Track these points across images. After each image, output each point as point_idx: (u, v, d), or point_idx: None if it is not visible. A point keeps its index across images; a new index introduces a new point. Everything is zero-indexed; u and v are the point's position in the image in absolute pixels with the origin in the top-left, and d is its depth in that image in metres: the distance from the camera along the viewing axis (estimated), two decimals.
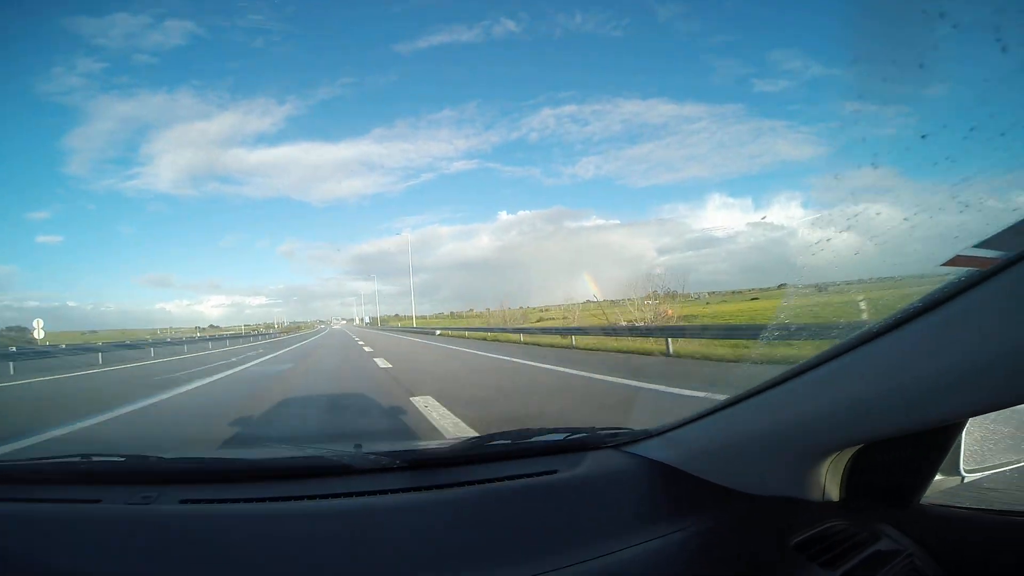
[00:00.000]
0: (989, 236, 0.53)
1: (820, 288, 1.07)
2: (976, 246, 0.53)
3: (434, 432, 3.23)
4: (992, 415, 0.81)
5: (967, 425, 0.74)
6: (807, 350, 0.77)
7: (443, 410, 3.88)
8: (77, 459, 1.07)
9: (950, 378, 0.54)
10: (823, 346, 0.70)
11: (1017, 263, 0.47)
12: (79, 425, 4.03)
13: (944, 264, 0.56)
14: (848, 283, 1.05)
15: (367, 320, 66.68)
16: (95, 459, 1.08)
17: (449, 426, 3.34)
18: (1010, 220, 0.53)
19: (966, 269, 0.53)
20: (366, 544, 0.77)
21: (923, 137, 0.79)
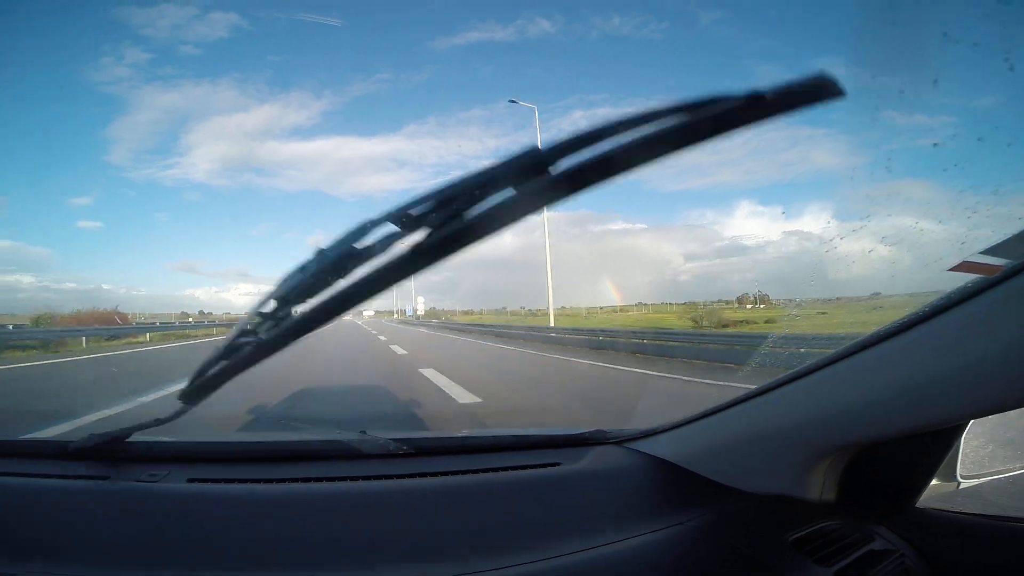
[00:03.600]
0: (994, 243, 0.54)
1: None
2: (982, 252, 0.55)
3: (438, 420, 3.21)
4: (990, 424, 0.83)
5: (965, 432, 0.75)
6: None
7: None
8: (84, 438, 1.08)
9: (951, 382, 0.55)
10: None
11: (1021, 272, 0.48)
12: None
13: (951, 269, 0.57)
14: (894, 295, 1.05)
15: (417, 311, 50.08)
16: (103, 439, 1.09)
17: None
18: (1014, 228, 0.54)
19: (972, 276, 0.54)
20: (371, 527, 0.78)
21: (978, 141, 0.79)
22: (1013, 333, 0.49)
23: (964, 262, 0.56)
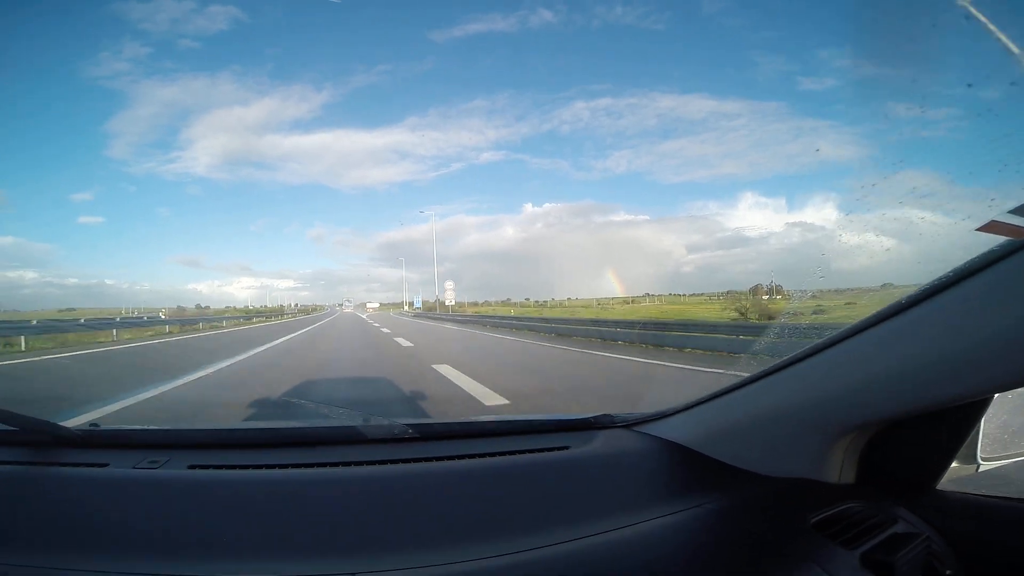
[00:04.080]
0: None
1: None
2: (1011, 212, 0.54)
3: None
4: (1010, 406, 0.82)
5: (985, 414, 0.73)
6: None
7: None
8: (80, 426, 1.06)
9: (970, 354, 0.54)
10: None
11: None
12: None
13: (979, 229, 0.56)
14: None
15: (415, 304, 46.85)
16: (102, 428, 1.08)
17: None
18: None
19: (999, 238, 0.53)
20: (377, 512, 0.77)
21: (981, 131, 0.79)
22: None
23: (992, 222, 0.54)
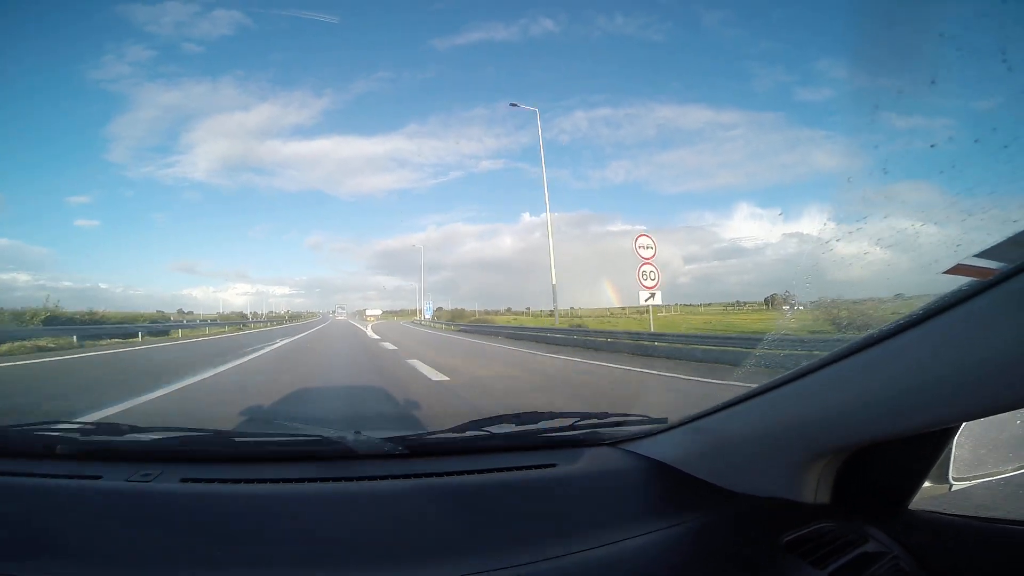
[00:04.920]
0: (989, 246, 0.54)
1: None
2: (977, 255, 0.54)
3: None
4: (980, 427, 0.82)
5: (957, 436, 0.75)
6: None
7: None
8: (77, 433, 1.07)
9: (943, 385, 0.55)
10: None
11: (1015, 275, 0.48)
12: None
13: (945, 272, 0.57)
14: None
15: (426, 313, 39.92)
16: (94, 436, 1.08)
17: None
18: (1009, 231, 0.54)
19: (967, 279, 0.54)
20: (365, 528, 0.78)
21: (975, 143, 0.78)
22: (1005, 338, 0.49)
23: (958, 265, 0.55)
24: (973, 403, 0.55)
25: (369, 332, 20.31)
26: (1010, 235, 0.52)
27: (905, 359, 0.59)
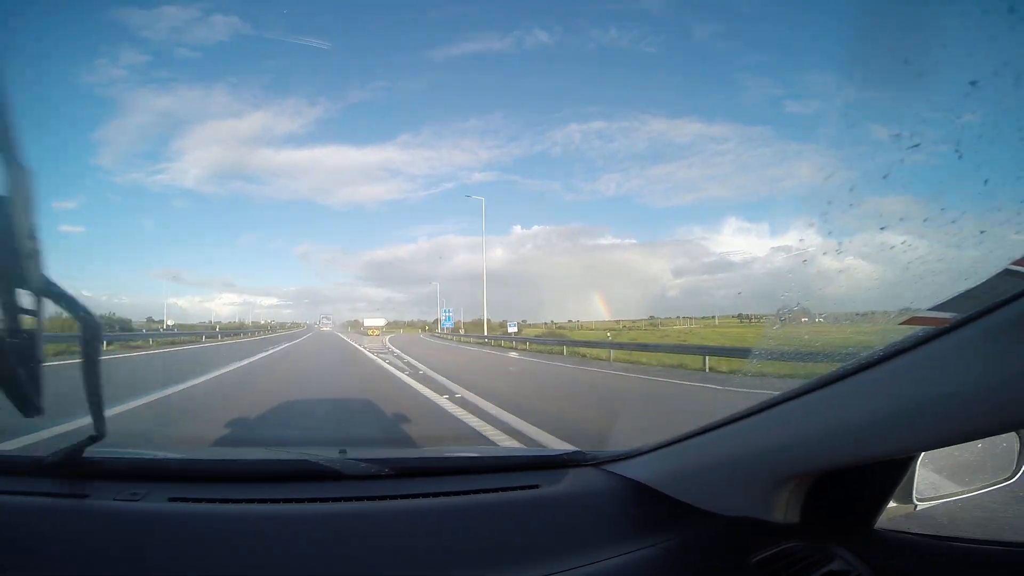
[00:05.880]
0: (944, 300, 0.56)
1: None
2: (931, 309, 0.56)
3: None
4: (942, 452, 0.85)
5: (919, 459, 0.79)
6: None
7: None
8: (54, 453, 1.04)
9: (902, 418, 0.58)
10: None
11: (961, 327, 0.52)
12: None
13: (901, 323, 0.59)
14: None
15: (444, 323, 34.86)
16: (86, 455, 1.05)
17: None
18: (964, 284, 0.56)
19: (921, 328, 0.56)
20: (351, 549, 0.80)
21: (959, 158, 0.79)
22: (958, 379, 0.52)
23: (914, 317, 0.57)
24: (928, 437, 0.58)
25: (365, 351, 14.40)
26: (964, 289, 0.54)
27: (866, 395, 0.62)
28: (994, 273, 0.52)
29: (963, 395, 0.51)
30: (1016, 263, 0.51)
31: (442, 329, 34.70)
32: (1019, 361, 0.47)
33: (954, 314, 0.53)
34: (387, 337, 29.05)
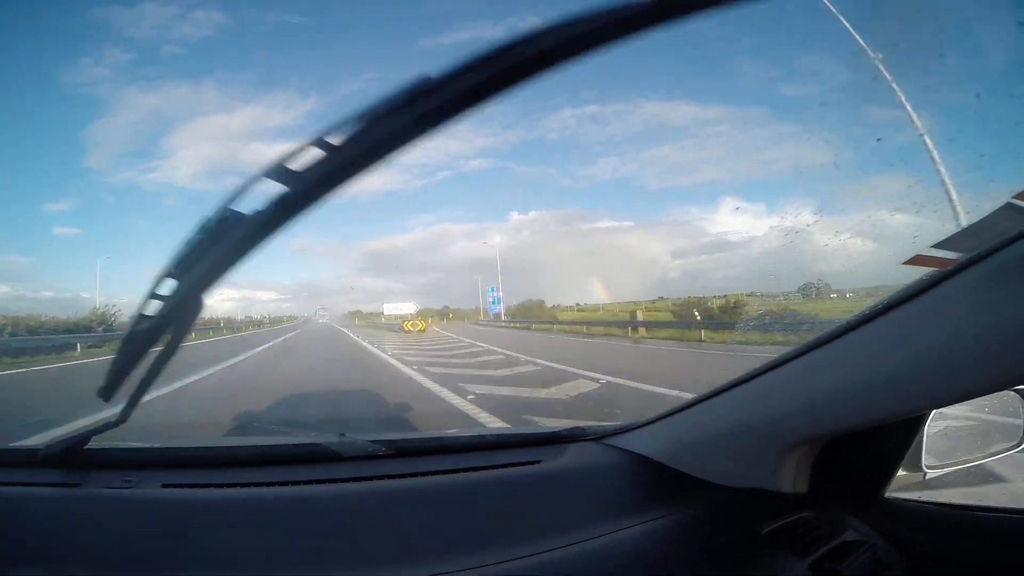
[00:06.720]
0: (944, 237, 0.55)
1: None
2: (934, 246, 0.55)
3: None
4: (951, 416, 0.84)
5: (927, 424, 0.77)
6: None
7: None
8: (50, 444, 1.03)
9: (910, 373, 0.57)
10: None
11: (971, 265, 0.50)
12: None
13: (905, 263, 0.58)
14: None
15: (491, 310, 28.73)
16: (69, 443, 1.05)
17: None
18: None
19: (927, 269, 0.55)
20: (351, 529, 0.78)
21: (950, 141, 0.80)
22: (963, 326, 0.51)
23: (917, 256, 0.57)
24: (939, 391, 0.56)
25: (387, 354, 10.04)
26: (965, 226, 0.54)
27: (869, 349, 0.61)
28: (996, 207, 0.52)
29: (972, 344, 0.50)
30: (1017, 196, 0.50)
31: (489, 316, 29.39)
32: None
33: (959, 254, 0.52)
34: (443, 331, 21.16)
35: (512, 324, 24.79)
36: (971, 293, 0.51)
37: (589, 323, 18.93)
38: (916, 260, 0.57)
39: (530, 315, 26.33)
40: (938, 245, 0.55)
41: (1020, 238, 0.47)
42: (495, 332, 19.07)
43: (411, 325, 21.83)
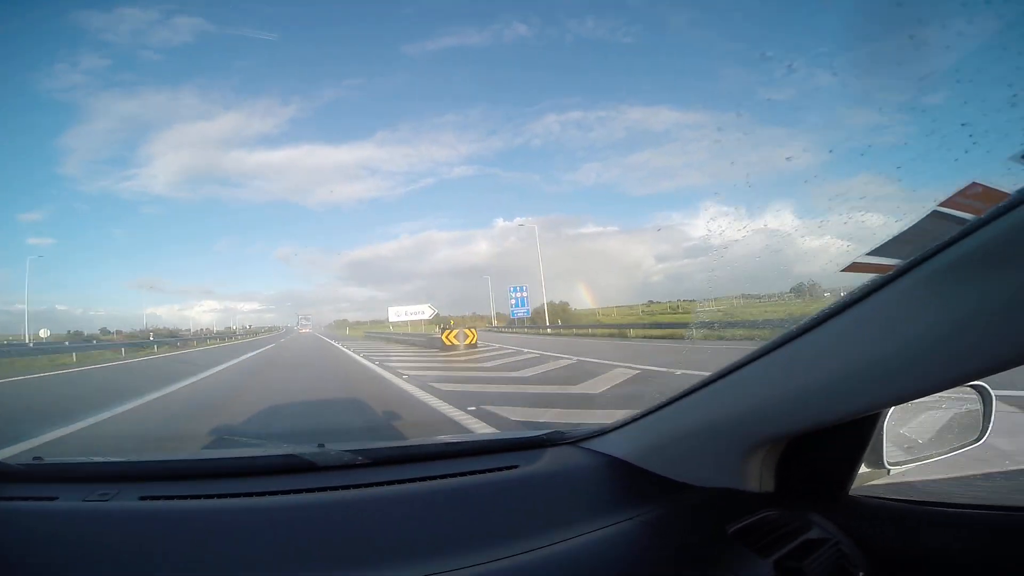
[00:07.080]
0: (878, 245, 0.58)
1: None
2: (870, 253, 0.58)
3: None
4: (909, 413, 0.86)
5: (884, 422, 0.80)
6: None
7: None
8: (24, 459, 1.04)
9: (853, 376, 0.59)
10: None
11: (902, 275, 0.53)
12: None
13: (843, 270, 0.61)
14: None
15: (515, 312, 25.00)
16: (49, 460, 1.05)
17: None
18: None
19: (867, 275, 0.58)
20: (329, 538, 0.78)
21: (927, 137, 0.82)
22: (900, 330, 0.53)
23: (854, 263, 0.59)
24: (879, 394, 0.59)
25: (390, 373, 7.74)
26: (896, 233, 0.56)
27: (815, 353, 0.64)
28: (923, 215, 0.54)
29: (912, 348, 0.52)
30: (942, 204, 0.53)
31: (513, 320, 24.88)
32: (962, 308, 0.47)
33: (896, 260, 0.55)
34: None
35: (536, 330, 21.85)
36: (905, 299, 0.53)
37: (633, 326, 16.98)
38: (854, 267, 0.59)
39: (567, 318, 23.54)
40: (875, 252, 0.58)
41: (949, 245, 0.49)
42: (553, 341, 15.51)
43: (455, 336, 14.31)
